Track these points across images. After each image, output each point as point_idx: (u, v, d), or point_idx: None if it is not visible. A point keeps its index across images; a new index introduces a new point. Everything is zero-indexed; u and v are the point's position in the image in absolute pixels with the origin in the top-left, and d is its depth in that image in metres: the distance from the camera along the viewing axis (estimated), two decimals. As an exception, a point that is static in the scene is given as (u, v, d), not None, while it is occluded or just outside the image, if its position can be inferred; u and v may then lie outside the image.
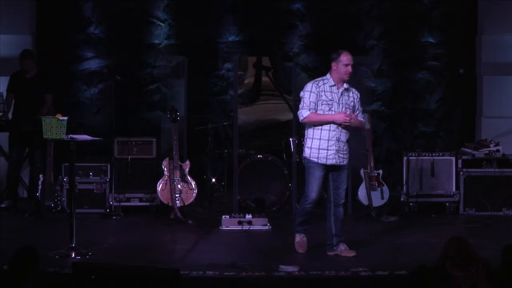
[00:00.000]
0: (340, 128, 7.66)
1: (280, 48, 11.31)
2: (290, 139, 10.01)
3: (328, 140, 7.65)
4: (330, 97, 7.68)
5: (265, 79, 11.63)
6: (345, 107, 7.69)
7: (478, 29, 11.13)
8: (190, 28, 11.19)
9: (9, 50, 10.64)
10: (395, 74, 11.29)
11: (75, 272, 5.11)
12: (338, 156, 7.68)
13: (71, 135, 7.72)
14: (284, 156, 10.26)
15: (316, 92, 7.68)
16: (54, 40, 11.07)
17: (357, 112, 7.84)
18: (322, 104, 7.69)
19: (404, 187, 9.99)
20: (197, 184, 9.72)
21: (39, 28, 11.10)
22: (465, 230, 9.01)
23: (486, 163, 10.05)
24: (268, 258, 7.52)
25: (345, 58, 7.70)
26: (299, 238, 7.92)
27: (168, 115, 9.64)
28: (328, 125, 7.66)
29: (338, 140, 7.66)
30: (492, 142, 10.19)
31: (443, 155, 10.16)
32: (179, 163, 9.63)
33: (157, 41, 11.26)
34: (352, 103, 7.77)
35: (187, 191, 9.63)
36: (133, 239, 8.61)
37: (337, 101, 7.68)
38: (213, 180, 10.63)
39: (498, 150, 10.09)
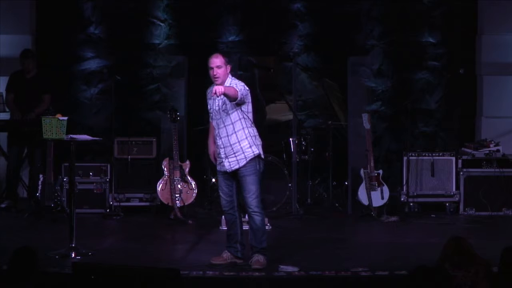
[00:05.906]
0: (221, 135, 7.16)
1: (280, 48, 11.30)
2: (290, 139, 10.01)
3: (218, 147, 7.26)
4: (210, 105, 7.29)
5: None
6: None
7: (478, 29, 11.12)
8: (190, 28, 11.19)
9: (9, 50, 10.64)
10: (395, 74, 11.27)
11: (75, 272, 5.11)
12: (229, 162, 7.19)
13: (71, 135, 7.72)
14: (284, 156, 10.25)
15: (207, 101, 7.35)
16: (54, 40, 11.06)
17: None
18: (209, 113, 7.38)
19: (404, 187, 9.98)
20: (197, 184, 9.72)
21: (39, 28, 11.09)
22: (465, 230, 9.00)
23: (486, 163, 10.04)
24: (268, 258, 7.52)
25: (209, 61, 7.07)
26: (223, 253, 7.45)
27: (168, 115, 9.64)
28: (214, 134, 7.28)
29: (224, 146, 7.17)
30: (492, 142, 10.18)
31: (443, 155, 10.15)
32: (179, 163, 9.63)
33: (157, 41, 11.26)
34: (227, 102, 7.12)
35: (187, 191, 9.62)
36: (133, 239, 8.60)
37: (215, 107, 7.19)
38: (213, 180, 10.60)
39: (498, 150, 10.09)
